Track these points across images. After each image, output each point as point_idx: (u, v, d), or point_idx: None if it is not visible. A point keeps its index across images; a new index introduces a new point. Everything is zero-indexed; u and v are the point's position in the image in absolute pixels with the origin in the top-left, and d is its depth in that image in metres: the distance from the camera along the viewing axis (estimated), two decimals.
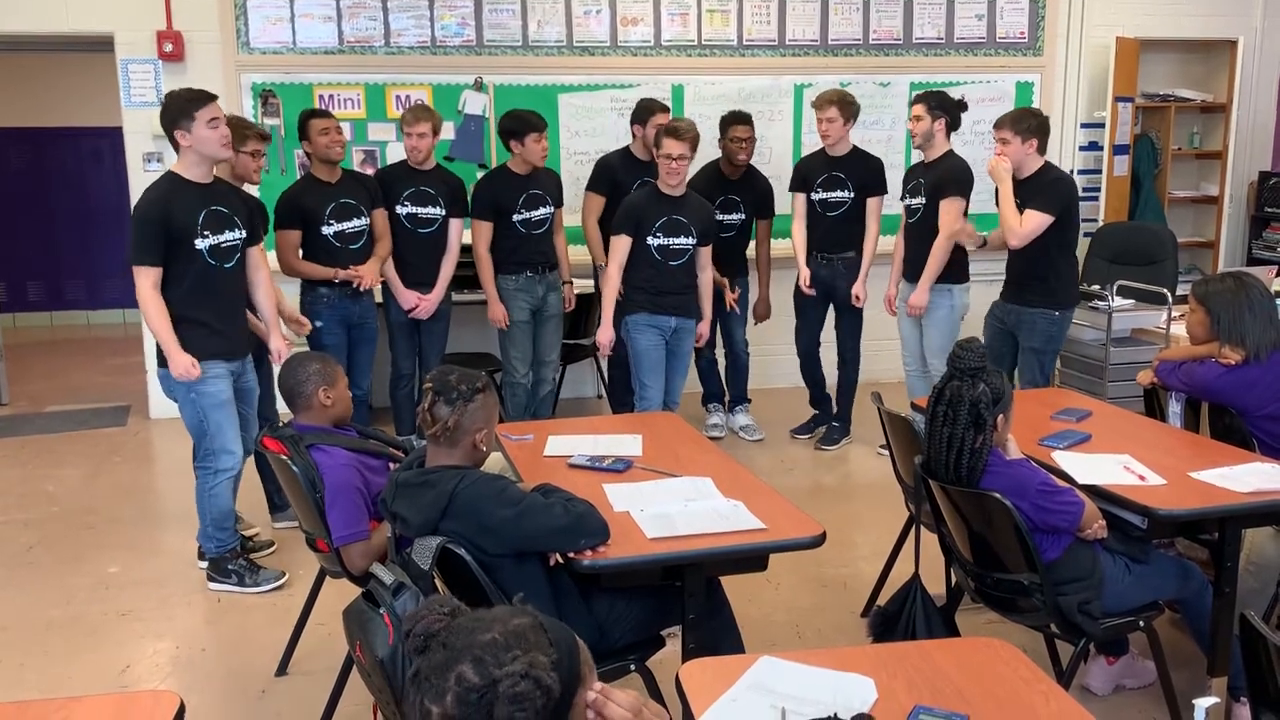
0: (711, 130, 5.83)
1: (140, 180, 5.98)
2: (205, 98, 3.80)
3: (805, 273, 5.44)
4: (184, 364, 3.77)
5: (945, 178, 4.83)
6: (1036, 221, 4.35)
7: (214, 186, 3.88)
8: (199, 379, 3.81)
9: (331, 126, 4.77)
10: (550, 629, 1.38)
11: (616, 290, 4.68)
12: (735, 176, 5.52)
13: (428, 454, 2.58)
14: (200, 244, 3.78)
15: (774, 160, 6.24)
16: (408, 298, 5.06)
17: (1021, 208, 4.39)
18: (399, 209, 5.01)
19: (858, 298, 5.37)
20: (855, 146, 5.36)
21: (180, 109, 3.74)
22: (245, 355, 4.06)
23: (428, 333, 5.19)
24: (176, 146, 3.80)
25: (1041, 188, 4.39)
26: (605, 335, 4.71)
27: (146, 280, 3.75)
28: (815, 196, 5.37)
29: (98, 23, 5.85)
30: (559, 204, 5.25)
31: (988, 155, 6.39)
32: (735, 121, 5.43)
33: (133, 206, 3.84)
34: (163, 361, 3.84)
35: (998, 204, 4.65)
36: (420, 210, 5.04)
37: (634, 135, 5.40)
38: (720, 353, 5.84)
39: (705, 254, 4.78)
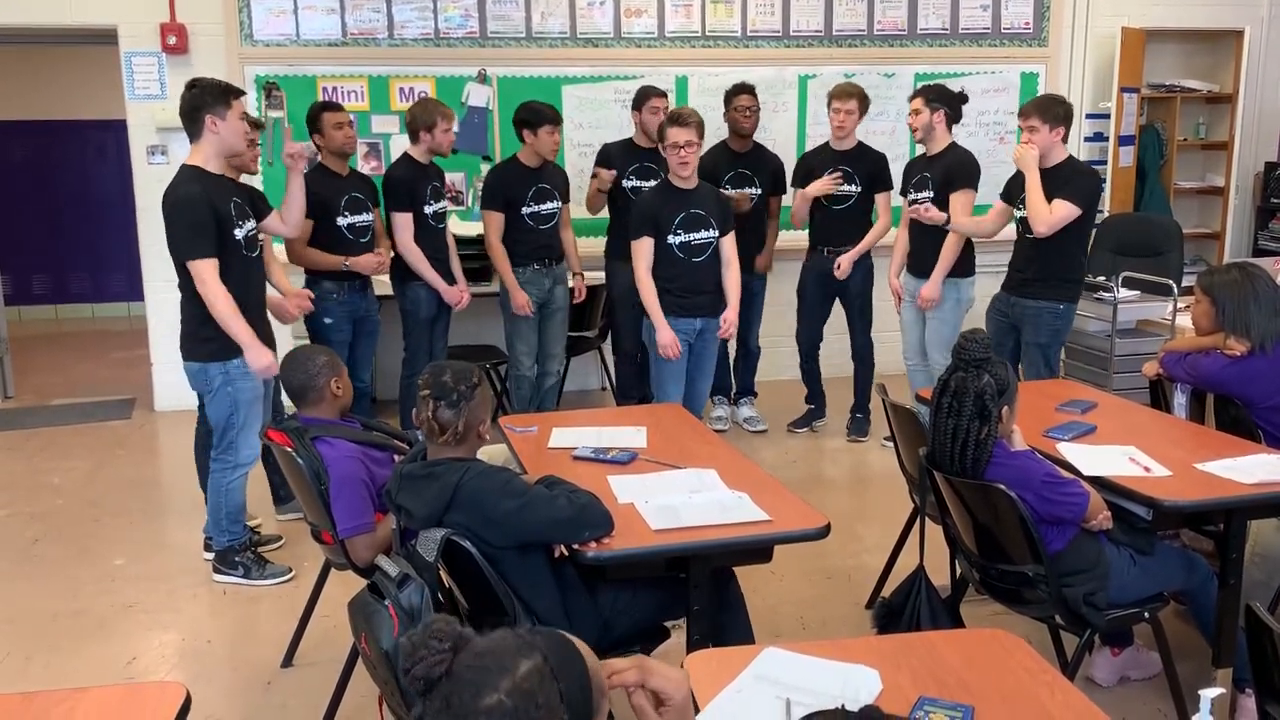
0: (715, 120, 5.82)
1: (144, 173, 5.99)
2: (238, 91, 3.83)
3: (822, 181, 5.27)
4: (267, 359, 3.76)
5: (954, 171, 4.80)
6: (1065, 211, 4.29)
7: (226, 178, 3.90)
8: (236, 374, 3.81)
9: (345, 120, 4.78)
10: (560, 672, 1.26)
11: (654, 292, 4.45)
12: (743, 150, 5.51)
13: (429, 447, 2.58)
14: (238, 234, 3.79)
15: (778, 151, 6.21)
16: (453, 294, 5.04)
17: (1047, 197, 4.32)
18: (426, 209, 4.96)
19: (839, 266, 5.30)
20: (860, 141, 5.36)
21: (217, 95, 3.74)
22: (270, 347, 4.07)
23: (438, 325, 5.19)
24: (197, 134, 3.76)
25: (1071, 179, 4.33)
26: (666, 336, 4.42)
27: (210, 271, 3.69)
28: None
29: (101, 15, 5.85)
30: (565, 199, 5.25)
31: (993, 146, 6.42)
32: (739, 92, 5.43)
33: (166, 202, 3.74)
34: (191, 354, 3.81)
35: (1003, 196, 4.64)
36: (439, 206, 5.05)
37: (634, 123, 5.40)
38: (731, 344, 5.82)
39: (729, 246, 4.54)
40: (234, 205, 3.80)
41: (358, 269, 4.77)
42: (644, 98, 5.31)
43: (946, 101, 4.86)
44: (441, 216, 5.07)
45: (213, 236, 3.70)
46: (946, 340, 4.87)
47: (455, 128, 5.01)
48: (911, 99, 4.93)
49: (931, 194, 4.87)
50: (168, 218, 3.74)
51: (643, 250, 4.47)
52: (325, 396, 3.21)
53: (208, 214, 3.69)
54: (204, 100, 3.73)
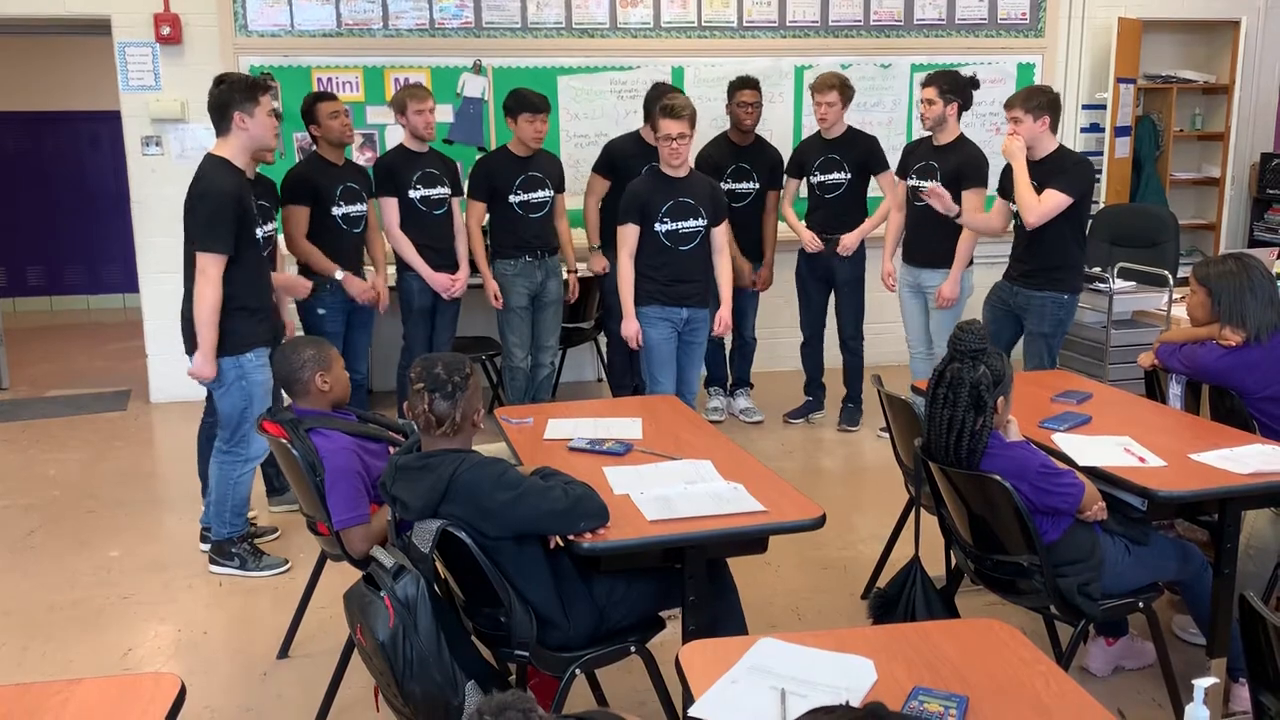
0: (713, 112, 5.83)
1: (139, 164, 5.97)
2: (266, 86, 3.82)
3: (808, 234, 5.39)
4: (211, 369, 3.73)
5: (967, 167, 4.76)
6: (1056, 201, 4.28)
7: (247, 176, 3.90)
8: (250, 368, 3.81)
9: (340, 109, 4.78)
10: None
11: (632, 281, 4.50)
12: (744, 144, 5.49)
13: (424, 439, 2.57)
14: (259, 232, 3.79)
15: (774, 141, 6.21)
16: (441, 281, 5.02)
17: (1039, 188, 4.32)
18: (412, 194, 4.96)
19: (841, 243, 5.30)
20: (850, 127, 5.35)
21: (245, 91, 3.73)
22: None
23: (441, 317, 5.17)
24: (226, 130, 3.75)
25: (1062, 169, 4.32)
26: (631, 328, 4.50)
27: (217, 268, 3.66)
28: (813, 179, 5.36)
29: (94, 6, 5.82)
30: (560, 189, 5.22)
31: (989, 137, 6.41)
32: (742, 86, 5.40)
33: (195, 189, 3.72)
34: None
35: (1001, 185, 4.63)
36: (431, 192, 5.02)
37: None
38: (728, 336, 5.82)
39: (720, 236, 4.55)
40: (257, 205, 3.81)
41: (347, 287, 4.73)
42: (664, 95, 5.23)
43: (959, 91, 4.82)
44: (437, 203, 5.04)
45: (231, 234, 3.69)
46: (950, 329, 4.87)
47: (431, 108, 4.93)
48: (924, 87, 4.86)
49: (931, 183, 4.85)
50: (192, 204, 3.71)
51: (626, 236, 4.48)
52: (310, 390, 3.20)
53: (233, 210, 3.68)
54: (231, 97, 3.73)
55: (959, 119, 4.88)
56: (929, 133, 4.98)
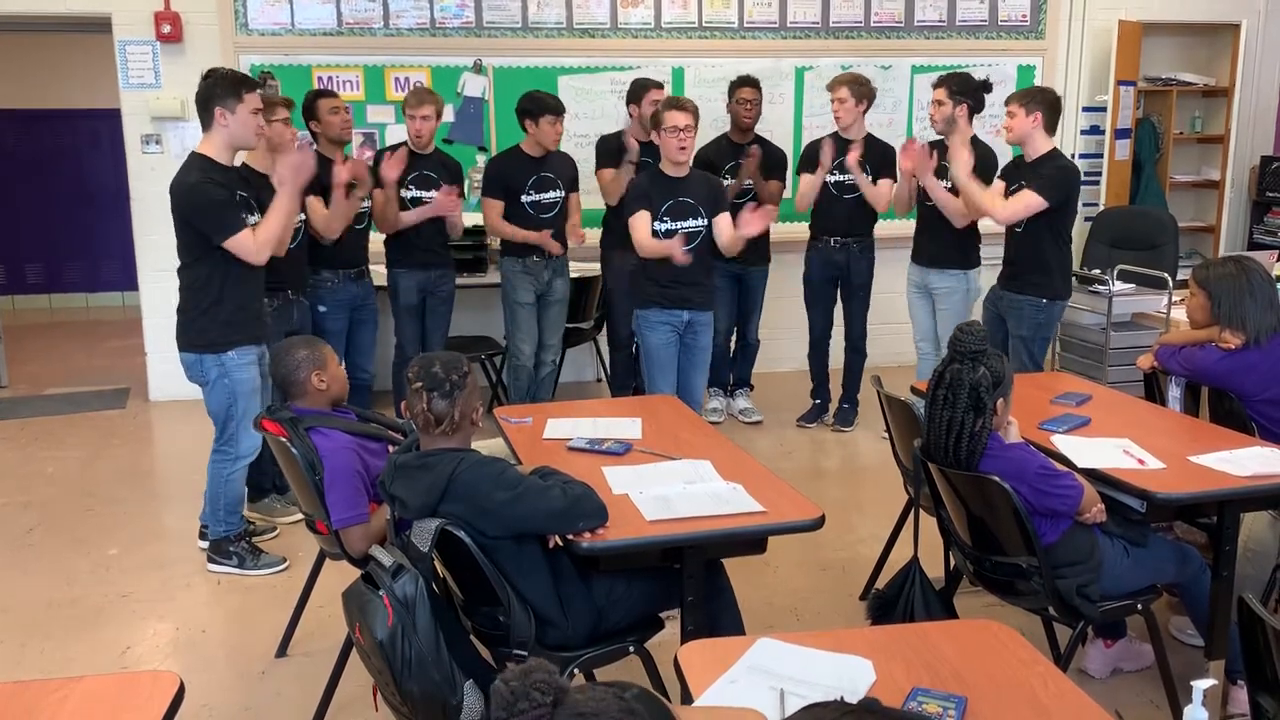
0: (713, 112, 5.83)
1: (139, 162, 5.98)
2: (253, 83, 3.79)
3: (810, 180, 5.27)
4: (293, 161, 3.74)
5: (977, 166, 4.75)
6: (1027, 201, 4.29)
7: (238, 171, 3.88)
8: (232, 366, 3.80)
9: (341, 106, 4.78)
10: None
11: (659, 244, 4.28)
12: (744, 142, 5.49)
13: (423, 438, 2.57)
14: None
15: (774, 142, 6.22)
16: (444, 202, 4.92)
17: (1023, 188, 4.34)
18: (404, 193, 4.98)
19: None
20: (869, 133, 5.33)
21: (229, 88, 3.71)
22: (267, 339, 4.03)
23: (432, 314, 5.18)
24: (209, 124, 3.74)
25: (1045, 172, 4.34)
26: (675, 249, 4.20)
27: (250, 239, 3.69)
28: (831, 179, 5.32)
29: (95, 3, 5.82)
30: (573, 189, 5.22)
31: (989, 139, 6.39)
32: (743, 84, 5.42)
33: (177, 191, 3.70)
34: (187, 345, 3.80)
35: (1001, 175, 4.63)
36: (424, 194, 5.02)
37: (630, 115, 5.38)
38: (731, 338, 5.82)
39: (723, 220, 4.38)
40: (239, 198, 3.79)
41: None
42: (643, 90, 5.27)
43: (970, 93, 4.81)
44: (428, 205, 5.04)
45: (237, 212, 3.70)
46: None
47: (425, 114, 4.92)
48: (935, 88, 4.86)
49: (949, 186, 4.85)
50: (184, 206, 3.69)
51: (640, 221, 4.35)
52: (308, 390, 3.19)
53: (225, 193, 3.68)
54: (214, 92, 3.71)
55: (970, 121, 4.87)
56: (942, 136, 4.97)
